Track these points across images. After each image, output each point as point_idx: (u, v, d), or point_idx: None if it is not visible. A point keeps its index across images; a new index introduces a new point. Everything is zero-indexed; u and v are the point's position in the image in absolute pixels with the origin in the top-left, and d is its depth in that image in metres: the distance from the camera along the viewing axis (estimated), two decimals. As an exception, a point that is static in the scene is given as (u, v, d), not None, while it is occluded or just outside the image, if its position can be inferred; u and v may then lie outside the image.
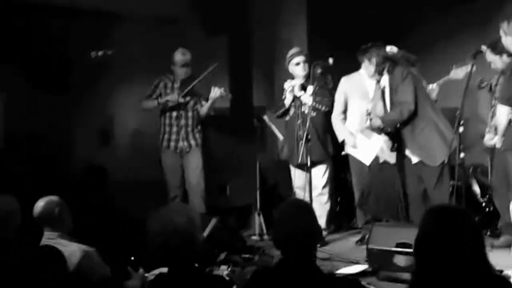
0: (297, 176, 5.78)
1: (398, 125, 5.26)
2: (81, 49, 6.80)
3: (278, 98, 5.95)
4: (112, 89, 7.18)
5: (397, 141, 5.35)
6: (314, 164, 5.56)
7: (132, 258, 3.75)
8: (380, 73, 5.29)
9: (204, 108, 6.02)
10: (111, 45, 6.78)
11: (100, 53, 6.68)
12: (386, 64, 5.22)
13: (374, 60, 5.24)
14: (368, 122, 5.25)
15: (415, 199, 5.36)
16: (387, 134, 5.34)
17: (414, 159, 5.32)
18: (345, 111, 5.87)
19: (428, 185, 5.28)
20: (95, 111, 7.10)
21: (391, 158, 5.52)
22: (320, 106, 5.66)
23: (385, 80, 5.32)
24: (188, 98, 5.89)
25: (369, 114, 5.25)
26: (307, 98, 5.61)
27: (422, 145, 5.22)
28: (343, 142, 5.93)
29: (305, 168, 5.53)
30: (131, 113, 6.91)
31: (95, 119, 7.17)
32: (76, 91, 6.85)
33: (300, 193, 5.69)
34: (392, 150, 5.52)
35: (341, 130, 5.88)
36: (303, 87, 5.70)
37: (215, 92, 5.79)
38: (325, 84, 5.87)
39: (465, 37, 6.32)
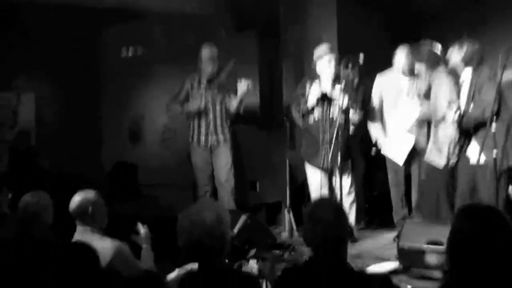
0: (316, 176, 5.61)
1: (475, 124, 4.98)
2: (110, 48, 7.06)
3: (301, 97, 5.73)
4: (141, 88, 7.32)
5: (463, 141, 5.10)
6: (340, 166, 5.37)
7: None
8: (468, 63, 5.00)
9: (234, 102, 5.89)
10: (140, 44, 7.00)
11: (130, 51, 6.90)
12: (475, 58, 4.98)
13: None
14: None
15: (463, 200, 5.10)
16: (461, 133, 5.07)
17: (482, 159, 4.98)
18: (380, 110, 5.75)
19: (483, 188, 4.99)
20: (125, 109, 7.37)
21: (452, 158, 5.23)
22: (353, 107, 5.38)
23: (466, 74, 5.05)
24: (215, 90, 5.84)
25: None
26: (338, 98, 5.36)
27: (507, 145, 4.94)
28: (376, 142, 5.89)
29: (329, 169, 5.47)
30: (160, 111, 6.90)
31: (125, 117, 7.41)
32: (106, 90, 7.21)
33: (320, 193, 5.58)
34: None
35: (375, 129, 5.77)
36: (332, 87, 5.52)
37: (243, 84, 5.67)
38: (354, 82, 5.61)
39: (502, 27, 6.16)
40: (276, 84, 6.72)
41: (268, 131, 6.59)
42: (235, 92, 5.81)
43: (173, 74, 6.80)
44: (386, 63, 5.63)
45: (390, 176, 5.75)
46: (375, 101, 5.67)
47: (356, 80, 5.56)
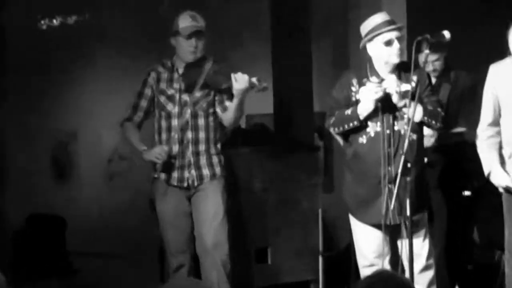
0: (371, 238, 4.98)
1: None
2: (21, 15, 6.47)
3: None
4: (72, 86, 7.02)
5: None
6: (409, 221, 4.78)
7: None
8: None
9: (229, 112, 4.91)
10: (69, 12, 6.67)
11: (53, 21, 6.49)
12: None
13: None
14: None
15: None
16: None
17: None
18: (496, 121, 4.98)
19: None
20: (44, 122, 6.90)
21: None
22: (432, 122, 4.84)
23: None
24: (197, 94, 4.91)
25: None
26: (408, 104, 4.76)
27: None
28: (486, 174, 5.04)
29: (392, 226, 4.88)
30: (105, 125, 6.74)
31: (47, 138, 6.99)
32: (11, 89, 6.49)
33: (378, 262, 4.99)
34: None
35: (488, 154, 4.95)
36: (399, 85, 4.85)
37: (242, 81, 4.77)
38: (433, 78, 5.41)
39: None
40: (301, 80, 6.18)
41: (287, 159, 5.96)
42: (230, 94, 4.93)
43: (129, 63, 6.49)
44: (486, 49, 5.30)
45: (508, 225, 5.01)
46: (487, 106, 4.92)
47: (436, 74, 5.54)
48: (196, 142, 5.05)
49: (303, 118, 6.25)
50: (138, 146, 5.07)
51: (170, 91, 4.99)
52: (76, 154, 7.38)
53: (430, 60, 5.32)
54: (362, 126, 4.76)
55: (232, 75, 4.80)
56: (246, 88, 4.82)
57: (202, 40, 4.94)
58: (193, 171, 4.96)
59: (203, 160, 4.99)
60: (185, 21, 4.99)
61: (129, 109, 5.12)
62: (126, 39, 6.97)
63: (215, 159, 5.03)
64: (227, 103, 5.04)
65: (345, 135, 4.86)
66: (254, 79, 4.76)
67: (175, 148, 5.04)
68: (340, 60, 6.59)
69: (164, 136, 5.02)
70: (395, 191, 4.61)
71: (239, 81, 4.82)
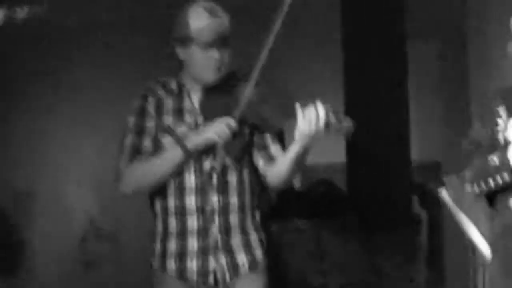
0: None
1: None
2: None
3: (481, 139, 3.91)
4: (32, 115, 6.35)
5: None
6: None
7: None
8: None
9: (279, 166, 3.75)
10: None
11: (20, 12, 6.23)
12: None
13: None
14: None
15: None
16: None
17: None
18: None
19: None
20: None
21: None
22: None
23: None
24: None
25: None
26: None
27: None
28: None
29: None
30: (77, 181, 6.22)
31: None
32: None
33: None
34: None
35: None
36: None
37: (314, 117, 3.54)
38: None
39: None
40: (391, 113, 5.58)
41: (367, 239, 5.54)
42: (278, 135, 3.78)
43: (109, 86, 6.13)
44: None
45: None
46: None
47: None
48: (224, 211, 3.91)
49: (394, 173, 5.56)
50: (173, 148, 4.03)
51: (180, 130, 3.83)
52: (31, 229, 6.37)
53: None
54: None
55: (298, 107, 3.74)
56: (319, 129, 3.71)
57: (227, 48, 3.83)
58: (222, 258, 3.89)
59: (236, 239, 3.88)
60: (201, 19, 3.88)
61: (124, 155, 4.05)
62: (105, 49, 6.29)
63: (254, 238, 3.82)
64: (274, 150, 3.86)
65: (490, 197, 3.64)
66: (331, 114, 3.73)
67: (192, 222, 3.99)
68: (453, 81, 6.11)
69: (172, 201, 3.81)
70: None
71: (309, 116, 3.60)
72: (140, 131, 3.79)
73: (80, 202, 6.52)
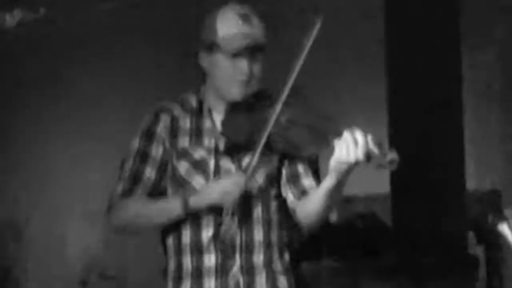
0: None
1: None
2: None
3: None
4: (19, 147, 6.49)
5: None
6: None
7: None
8: None
9: (312, 200, 3.50)
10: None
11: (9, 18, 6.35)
12: None
13: None
14: None
15: None
16: None
17: None
18: None
19: None
20: None
21: None
22: None
23: None
24: (251, 162, 3.60)
25: None
26: None
27: None
28: None
29: None
30: (72, 214, 6.22)
31: None
32: None
33: None
34: None
35: None
36: None
37: (352, 146, 3.29)
38: None
39: None
40: (443, 133, 5.39)
41: (416, 283, 5.32)
42: (312, 165, 3.48)
43: (117, 100, 6.10)
44: None
45: None
46: None
47: None
48: (248, 249, 3.70)
49: (446, 205, 5.24)
50: (174, 200, 3.86)
51: (198, 154, 3.52)
52: (21, 268, 6.08)
53: None
54: None
55: (333, 138, 3.57)
56: (359, 161, 3.40)
57: (260, 60, 3.66)
58: None
59: (260, 281, 3.74)
60: (231, 25, 3.70)
61: (122, 181, 3.83)
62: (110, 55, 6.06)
63: (281, 281, 3.53)
64: (307, 182, 3.57)
65: None
66: (372, 145, 3.43)
67: (209, 261, 3.76)
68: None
69: (187, 236, 3.50)
70: None
71: (347, 145, 3.34)
72: (143, 158, 3.53)
73: (80, 236, 6.32)
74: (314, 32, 3.35)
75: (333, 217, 5.39)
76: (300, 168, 3.25)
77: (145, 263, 5.53)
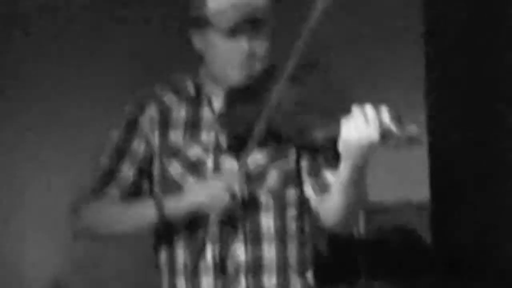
0: None
1: None
2: None
3: None
4: None
5: None
6: None
7: None
8: None
9: (334, 194, 3.00)
10: None
11: None
12: None
13: None
14: None
15: None
16: None
17: None
18: None
19: None
20: None
21: None
22: None
23: None
24: (258, 157, 3.08)
25: None
26: None
27: None
28: None
29: None
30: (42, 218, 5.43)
31: None
32: None
33: None
34: None
35: None
36: None
37: (361, 121, 2.85)
38: None
39: None
40: (500, 124, 4.72)
41: None
42: (333, 160, 3.04)
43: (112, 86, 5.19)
44: None
45: None
46: None
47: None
48: (255, 269, 3.40)
49: (500, 215, 4.45)
50: (148, 203, 3.29)
51: (194, 152, 3.09)
52: None
53: None
54: None
55: (359, 109, 2.95)
56: (371, 140, 3.32)
57: (263, 36, 3.08)
58: None
59: None
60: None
61: (93, 180, 3.36)
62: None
63: None
64: (329, 176, 3.20)
65: None
66: (387, 120, 2.81)
67: (207, 285, 3.48)
68: None
69: (181, 255, 3.01)
70: None
71: (356, 123, 3.22)
72: (120, 153, 2.98)
73: (40, 253, 5.73)
74: None
75: (360, 228, 5.07)
76: (321, 159, 2.83)
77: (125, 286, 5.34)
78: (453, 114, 4.79)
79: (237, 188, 2.76)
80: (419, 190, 4.86)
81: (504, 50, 4.96)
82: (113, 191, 2.86)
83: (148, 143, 2.88)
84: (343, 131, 2.55)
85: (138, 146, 2.95)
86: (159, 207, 2.82)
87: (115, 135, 3.09)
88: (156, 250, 2.86)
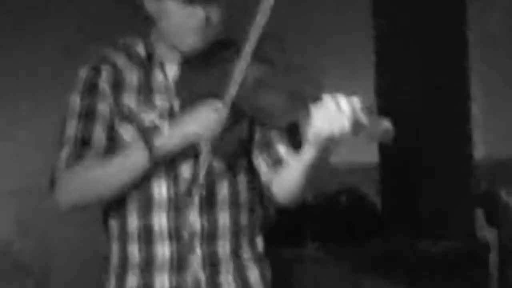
0: None
1: None
2: None
3: None
4: None
5: None
6: None
7: None
8: None
9: (288, 174, 3.00)
10: None
11: None
12: None
13: None
14: None
15: None
16: None
17: None
18: None
19: None
20: None
21: None
22: None
23: None
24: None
25: None
26: None
27: None
28: None
29: None
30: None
31: None
32: None
33: None
34: None
35: None
36: None
37: (332, 110, 2.61)
38: None
39: None
40: (446, 93, 5.01)
41: (410, 274, 4.90)
42: (288, 130, 2.97)
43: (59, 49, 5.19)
44: None
45: None
46: None
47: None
48: (210, 236, 3.49)
49: (448, 177, 4.77)
50: (136, 148, 3.25)
51: (148, 117, 3.02)
52: None
53: None
54: None
55: (311, 98, 2.95)
56: (343, 132, 3.56)
57: (219, 3, 3.04)
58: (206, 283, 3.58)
59: (227, 276, 3.50)
60: None
61: (67, 147, 3.37)
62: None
63: (253, 271, 3.05)
64: (282, 151, 3.48)
65: None
66: (359, 111, 3.14)
67: (162, 252, 3.50)
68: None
69: (134, 222, 2.99)
70: None
71: (328, 112, 3.40)
72: (89, 116, 2.92)
73: None
74: None
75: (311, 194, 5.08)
76: (275, 135, 2.82)
77: (73, 254, 5.23)
78: (403, 85, 4.82)
79: (224, 112, 2.75)
80: (369, 153, 4.88)
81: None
82: (90, 155, 2.86)
83: (110, 105, 3.10)
84: (313, 119, 2.65)
85: (104, 107, 3.10)
86: (150, 147, 2.79)
87: (77, 98, 3.16)
88: (106, 217, 2.82)
